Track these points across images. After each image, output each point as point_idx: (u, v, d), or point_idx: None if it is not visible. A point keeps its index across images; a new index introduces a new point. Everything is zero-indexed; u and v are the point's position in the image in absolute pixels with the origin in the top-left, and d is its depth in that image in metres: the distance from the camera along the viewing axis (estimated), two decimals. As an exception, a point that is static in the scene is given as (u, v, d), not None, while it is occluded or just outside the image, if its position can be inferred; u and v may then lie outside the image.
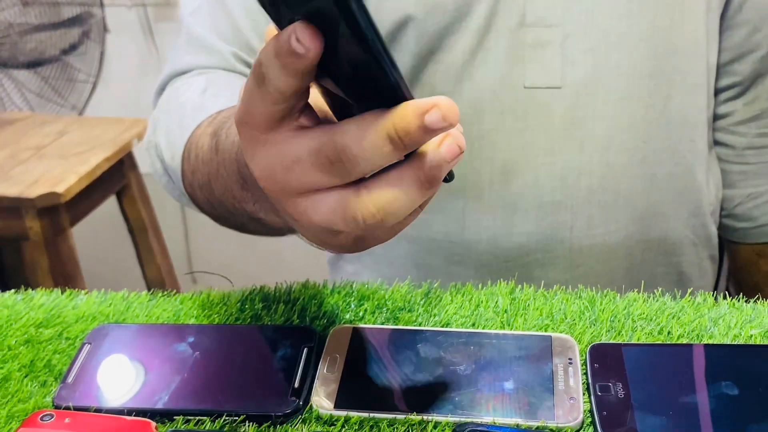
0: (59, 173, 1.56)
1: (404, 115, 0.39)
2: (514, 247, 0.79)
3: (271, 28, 0.41)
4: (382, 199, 0.41)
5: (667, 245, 0.82)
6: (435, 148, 0.41)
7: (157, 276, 1.92)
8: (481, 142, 0.77)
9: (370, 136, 0.39)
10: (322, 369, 0.55)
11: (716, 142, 0.86)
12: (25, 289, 0.67)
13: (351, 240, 0.45)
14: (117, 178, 1.76)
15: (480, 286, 0.63)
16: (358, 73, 0.39)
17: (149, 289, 0.64)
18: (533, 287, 0.63)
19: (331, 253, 0.95)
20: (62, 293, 0.66)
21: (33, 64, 2.27)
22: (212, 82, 0.75)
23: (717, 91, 0.83)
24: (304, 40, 0.37)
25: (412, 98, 0.40)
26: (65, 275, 1.58)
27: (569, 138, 0.76)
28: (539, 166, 0.77)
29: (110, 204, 1.79)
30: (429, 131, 0.39)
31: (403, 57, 0.77)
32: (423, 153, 0.41)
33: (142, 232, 1.87)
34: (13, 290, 0.67)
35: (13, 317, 0.62)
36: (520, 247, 0.79)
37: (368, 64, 0.38)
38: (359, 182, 0.42)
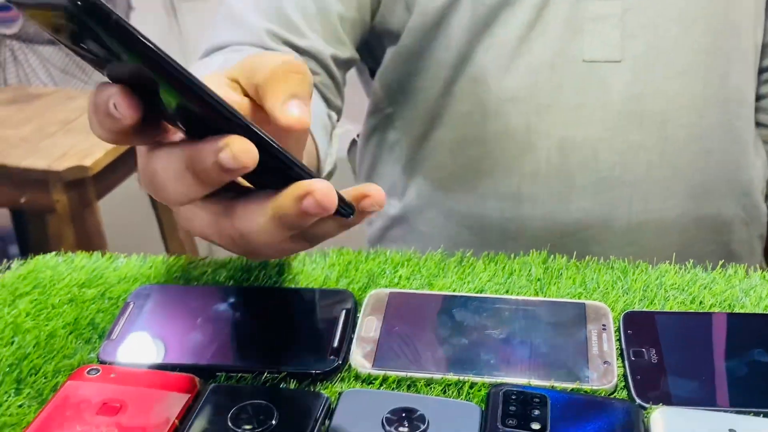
0: (86, 147, 1.57)
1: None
2: (571, 222, 0.79)
3: None
4: (244, 226, 0.41)
5: (718, 223, 0.82)
6: (296, 199, 0.39)
7: (180, 251, 1.94)
8: (538, 117, 0.77)
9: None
10: (360, 330, 0.56)
11: (756, 123, 0.86)
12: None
13: (240, 251, 0.45)
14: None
15: (512, 255, 0.64)
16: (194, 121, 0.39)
17: None
18: (566, 257, 0.64)
19: (372, 234, 0.95)
20: (102, 256, 0.67)
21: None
22: (229, 61, 0.75)
23: (760, 71, 0.83)
24: (121, 106, 0.37)
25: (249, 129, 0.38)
26: (91, 248, 1.59)
27: (628, 113, 0.76)
28: (598, 141, 0.77)
29: (135, 179, 1.81)
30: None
31: (456, 33, 0.77)
32: (286, 197, 0.39)
33: (165, 208, 1.88)
34: (54, 252, 0.68)
35: (56, 277, 0.64)
36: (577, 223, 0.79)
37: (202, 114, 0.38)
38: (232, 199, 0.42)
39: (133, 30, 0.36)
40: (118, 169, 1.65)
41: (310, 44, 0.75)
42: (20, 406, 0.52)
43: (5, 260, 0.66)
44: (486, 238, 0.83)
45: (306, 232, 0.43)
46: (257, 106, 0.45)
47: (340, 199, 0.41)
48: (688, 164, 0.78)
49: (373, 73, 0.89)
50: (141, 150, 0.43)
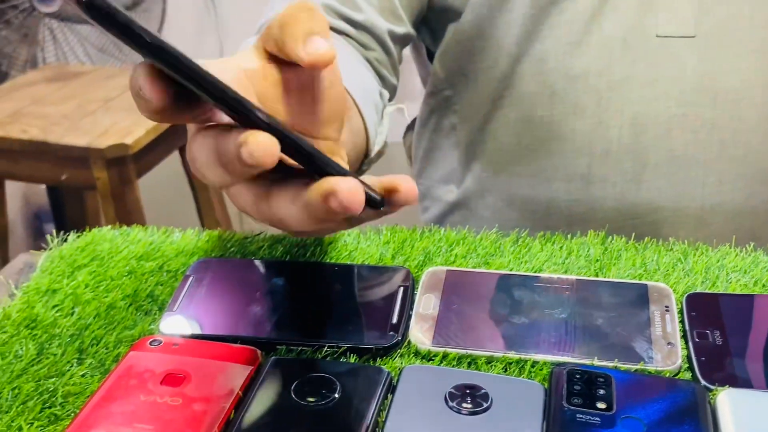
0: (127, 125, 1.58)
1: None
2: (643, 203, 0.78)
3: None
4: (280, 212, 0.41)
5: None
6: (320, 196, 0.39)
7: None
8: (611, 94, 0.76)
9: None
10: (418, 307, 0.56)
11: None
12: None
13: (280, 229, 0.45)
14: (181, 133, 1.78)
15: (569, 235, 0.64)
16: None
17: None
18: (624, 237, 0.63)
19: (428, 221, 0.94)
20: (158, 229, 0.68)
21: (96, 20, 2.30)
22: None
23: None
24: (146, 90, 0.37)
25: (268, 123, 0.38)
26: (130, 225, 1.60)
27: (701, 90, 0.75)
28: (671, 118, 0.75)
29: (174, 159, 1.82)
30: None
31: (522, 8, 0.76)
32: (314, 191, 0.39)
33: (202, 187, 1.89)
34: (110, 226, 0.69)
35: (114, 250, 0.64)
36: (649, 204, 0.78)
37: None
38: (272, 183, 0.42)
39: (138, 29, 0.35)
40: (158, 147, 1.66)
41: (365, 18, 0.74)
42: (83, 375, 0.52)
43: (51, 236, 0.66)
44: (551, 222, 0.81)
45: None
46: (286, 63, 0.44)
47: (369, 195, 0.40)
48: (760, 144, 0.77)
49: (430, 55, 0.88)
50: (189, 130, 0.43)
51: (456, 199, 0.89)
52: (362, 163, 0.68)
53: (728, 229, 0.79)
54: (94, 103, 1.70)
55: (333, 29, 0.73)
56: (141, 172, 1.66)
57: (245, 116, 0.38)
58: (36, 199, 2.48)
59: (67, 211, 2.21)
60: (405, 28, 0.79)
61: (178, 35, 2.41)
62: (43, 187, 2.26)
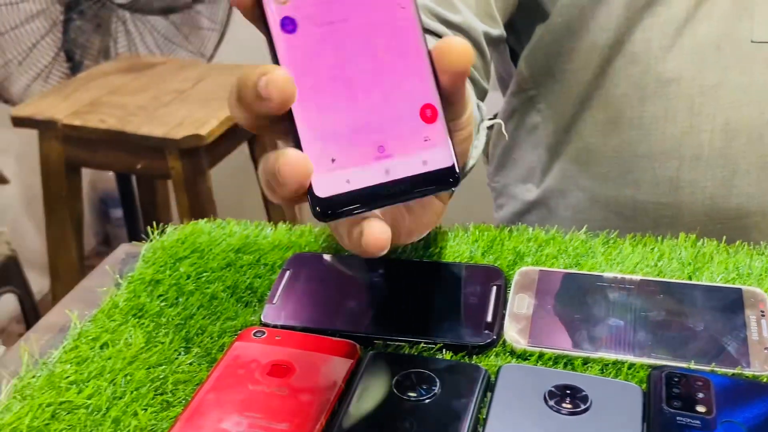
0: (201, 117, 1.62)
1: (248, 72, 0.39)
2: (733, 208, 0.77)
3: None
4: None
5: None
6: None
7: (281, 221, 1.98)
8: (703, 99, 0.75)
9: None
10: (512, 307, 0.57)
11: None
12: (158, 226, 0.69)
13: None
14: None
15: (660, 238, 0.64)
16: None
17: None
18: (715, 241, 0.63)
19: (502, 219, 0.94)
20: (251, 223, 0.70)
21: (166, 10, 2.35)
22: None
23: None
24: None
25: None
26: (203, 214, 1.64)
27: None
28: (764, 125, 0.75)
29: (242, 150, 1.85)
30: (259, 96, 0.39)
31: (615, 10, 0.76)
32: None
33: (269, 178, 1.92)
34: (206, 219, 0.71)
35: (212, 243, 0.67)
36: (738, 209, 0.77)
37: None
38: None
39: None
40: (229, 139, 1.69)
41: (462, 19, 0.74)
42: (190, 363, 0.54)
43: (151, 227, 0.69)
44: (637, 224, 0.81)
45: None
46: None
47: None
48: None
49: (513, 54, 0.88)
50: None
51: (535, 197, 0.89)
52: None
53: None
54: (169, 94, 1.74)
55: (429, 31, 0.73)
56: (213, 162, 1.69)
57: None
58: (102, 185, 2.55)
59: (137, 199, 2.26)
60: (499, 30, 0.79)
61: (243, 28, 2.45)
62: (110, 173, 2.31)
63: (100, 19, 2.20)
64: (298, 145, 0.40)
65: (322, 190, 0.40)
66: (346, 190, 0.40)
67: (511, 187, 0.92)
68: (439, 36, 0.74)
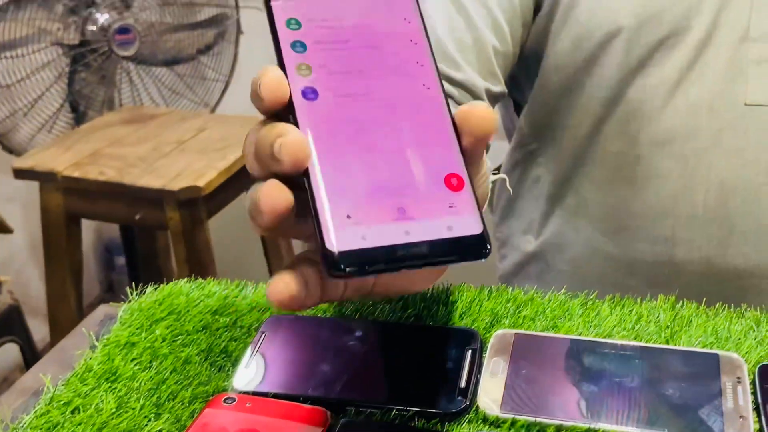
0: (200, 167, 1.63)
1: (267, 133, 0.42)
2: (729, 268, 0.77)
3: None
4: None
5: None
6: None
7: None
8: (696, 160, 0.75)
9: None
10: (487, 371, 0.56)
11: None
12: (158, 277, 0.70)
13: None
14: (250, 175, 1.83)
15: (639, 299, 0.64)
16: None
17: None
18: (695, 303, 0.62)
19: (504, 270, 0.94)
20: (231, 283, 0.70)
21: (170, 62, 2.38)
22: None
23: None
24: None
25: None
26: (200, 265, 1.65)
27: None
28: (760, 187, 0.75)
29: (242, 200, 1.85)
30: (275, 159, 0.41)
31: (608, 70, 0.76)
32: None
33: (269, 228, 1.93)
34: (185, 279, 0.71)
35: (190, 304, 0.66)
36: (734, 269, 0.77)
37: None
38: None
39: None
40: (229, 189, 1.70)
41: (465, 77, 0.76)
42: (160, 430, 0.54)
43: (130, 288, 0.69)
44: (632, 281, 0.81)
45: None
46: None
47: None
48: None
49: (518, 107, 0.89)
50: None
51: (534, 250, 0.89)
52: None
53: None
54: (169, 145, 1.75)
55: None
56: (212, 212, 1.70)
57: None
58: (107, 232, 2.56)
59: (138, 248, 2.27)
60: (501, 86, 0.80)
61: (248, 78, 2.47)
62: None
63: (105, 71, 2.24)
64: (313, 201, 0.40)
65: (335, 245, 0.39)
66: (361, 247, 0.39)
67: (514, 238, 0.92)
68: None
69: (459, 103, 0.77)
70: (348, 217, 0.39)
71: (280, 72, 0.42)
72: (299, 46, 0.43)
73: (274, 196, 0.40)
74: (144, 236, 2.21)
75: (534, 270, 0.90)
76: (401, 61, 0.44)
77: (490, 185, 0.67)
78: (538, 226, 0.88)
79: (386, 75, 0.43)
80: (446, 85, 0.75)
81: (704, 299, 0.62)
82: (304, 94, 0.42)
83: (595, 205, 0.82)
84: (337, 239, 0.39)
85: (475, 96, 0.77)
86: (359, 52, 0.43)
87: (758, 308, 0.62)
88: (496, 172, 0.83)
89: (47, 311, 1.85)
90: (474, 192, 0.42)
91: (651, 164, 0.77)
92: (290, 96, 0.42)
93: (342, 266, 0.39)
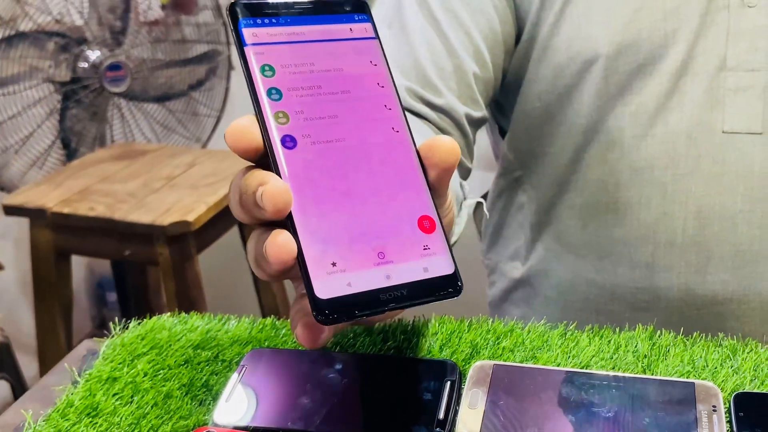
0: (190, 203, 1.64)
1: (249, 182, 0.43)
2: (708, 295, 0.78)
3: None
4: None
5: None
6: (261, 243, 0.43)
7: (272, 304, 1.98)
8: (675, 187, 0.76)
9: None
10: (465, 403, 0.56)
11: None
12: (149, 312, 0.71)
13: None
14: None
15: (617, 329, 0.64)
16: None
17: (264, 316, 0.69)
18: (672, 333, 0.63)
19: (494, 296, 0.95)
20: (214, 317, 0.70)
21: (162, 98, 2.39)
22: None
23: None
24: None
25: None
26: (189, 300, 1.65)
27: None
28: (737, 214, 0.76)
29: (233, 234, 1.86)
30: (258, 206, 0.43)
31: (587, 98, 0.78)
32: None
33: (260, 262, 1.93)
34: (169, 314, 0.71)
35: (172, 338, 0.67)
36: (714, 296, 0.78)
37: None
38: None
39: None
40: (218, 223, 1.71)
41: (445, 102, 0.77)
42: (140, 465, 0.54)
43: (114, 323, 0.69)
44: (615, 306, 0.82)
45: None
46: None
47: None
48: None
49: (504, 133, 0.90)
50: None
51: (521, 276, 0.90)
52: None
53: None
54: (159, 180, 1.76)
55: (413, 112, 0.77)
56: (201, 247, 1.70)
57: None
58: (99, 268, 2.56)
59: (129, 283, 2.27)
60: (481, 111, 0.81)
61: (242, 112, 2.49)
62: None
63: (97, 108, 2.25)
64: (299, 249, 0.42)
65: (323, 292, 0.41)
66: (347, 293, 0.42)
67: (501, 265, 0.93)
68: (422, 117, 0.76)
69: (439, 128, 0.78)
70: (333, 264, 0.42)
71: (246, 120, 0.44)
72: (275, 93, 0.45)
73: (280, 244, 0.42)
74: (135, 272, 2.21)
75: (521, 295, 0.91)
76: (371, 106, 0.46)
77: (467, 209, 0.68)
78: (524, 252, 0.89)
79: (358, 120, 0.45)
80: (427, 109, 0.77)
81: (682, 328, 0.63)
82: (283, 142, 0.43)
83: (577, 231, 0.83)
84: (325, 287, 0.41)
85: (455, 120, 0.78)
86: (332, 98, 0.45)
87: (736, 336, 0.62)
88: (483, 200, 0.84)
89: (36, 348, 1.85)
90: (444, 232, 0.43)
91: (630, 191, 0.78)
92: (271, 143, 0.43)
93: (330, 313, 0.41)
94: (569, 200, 0.83)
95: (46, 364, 1.82)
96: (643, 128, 0.77)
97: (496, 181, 0.93)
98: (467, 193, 0.75)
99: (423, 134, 0.74)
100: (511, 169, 0.89)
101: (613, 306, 0.82)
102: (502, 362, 0.60)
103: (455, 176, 0.74)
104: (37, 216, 1.69)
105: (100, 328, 2.60)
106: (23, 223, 1.83)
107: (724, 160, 0.75)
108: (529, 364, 0.60)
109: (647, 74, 0.76)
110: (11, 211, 1.71)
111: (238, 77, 2.44)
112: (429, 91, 0.77)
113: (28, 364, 2.02)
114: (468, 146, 0.81)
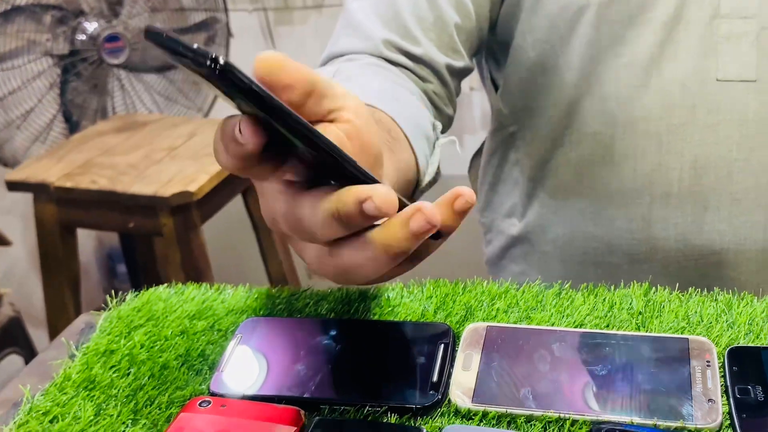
0: (191, 173, 1.63)
1: (345, 200, 0.41)
2: (705, 245, 0.78)
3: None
4: (343, 263, 0.44)
5: None
6: (402, 224, 0.42)
7: (279, 272, 1.99)
8: (671, 137, 0.76)
9: (318, 213, 0.42)
10: (459, 365, 0.56)
11: None
12: (158, 283, 0.71)
13: (342, 280, 0.47)
14: (243, 178, 1.83)
15: (613, 287, 0.64)
16: (306, 157, 0.42)
17: (271, 284, 0.68)
18: (668, 289, 0.63)
19: (491, 254, 0.95)
20: (210, 287, 0.70)
21: (162, 68, 2.38)
22: (341, 71, 0.75)
23: None
24: (245, 132, 0.40)
25: (359, 173, 0.41)
26: (196, 269, 1.65)
27: (764, 134, 0.75)
28: (732, 162, 0.76)
29: (237, 202, 1.86)
30: (368, 217, 0.41)
31: (579, 48, 0.77)
32: (391, 224, 0.42)
33: (265, 230, 1.94)
34: (165, 285, 0.72)
35: (168, 309, 0.67)
36: (711, 245, 0.78)
37: (311, 154, 0.41)
38: (336, 240, 0.44)
39: (264, 94, 0.38)
40: (222, 192, 1.71)
41: (424, 52, 0.77)
42: (137, 435, 0.54)
43: (110, 296, 0.70)
44: (614, 259, 0.82)
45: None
46: None
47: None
48: None
49: (498, 89, 0.89)
50: (280, 200, 0.45)
51: (518, 232, 0.90)
52: (413, 193, 0.70)
53: None
54: (160, 152, 1.76)
55: (393, 62, 0.77)
56: (205, 217, 1.71)
57: (342, 166, 0.41)
58: (108, 240, 2.57)
59: (138, 254, 2.28)
60: (463, 62, 0.81)
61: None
62: (115, 230, 2.33)
63: (97, 80, 2.24)
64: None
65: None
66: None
67: (498, 222, 0.93)
68: (403, 67, 0.76)
69: (419, 76, 0.78)
70: None
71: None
72: None
73: (392, 203, 0.41)
74: (142, 243, 2.22)
75: (519, 252, 0.91)
76: None
77: (440, 149, 0.71)
78: (521, 209, 0.89)
79: None
80: (406, 59, 0.77)
81: (680, 278, 0.63)
82: None
83: (574, 187, 0.83)
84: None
85: (434, 70, 0.78)
86: None
87: (733, 285, 0.62)
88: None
89: (47, 322, 1.86)
90: None
91: (626, 143, 0.78)
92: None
93: None
94: (564, 154, 0.82)
95: (56, 337, 1.83)
96: (637, 79, 0.76)
97: (490, 137, 0.92)
98: (439, 134, 0.75)
99: (403, 84, 0.75)
100: (505, 125, 0.89)
101: (611, 258, 0.83)
102: (494, 324, 0.60)
103: (428, 117, 0.74)
104: (40, 191, 1.69)
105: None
106: (28, 198, 1.84)
107: (718, 109, 0.75)
108: (522, 325, 0.60)
109: (639, 24, 0.75)
110: (14, 186, 1.72)
111: (236, 44, 2.42)
112: (408, 42, 0.77)
113: (40, 337, 2.04)
114: (449, 95, 0.81)
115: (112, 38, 2.17)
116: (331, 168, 0.42)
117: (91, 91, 2.23)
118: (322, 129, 0.44)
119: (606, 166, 0.80)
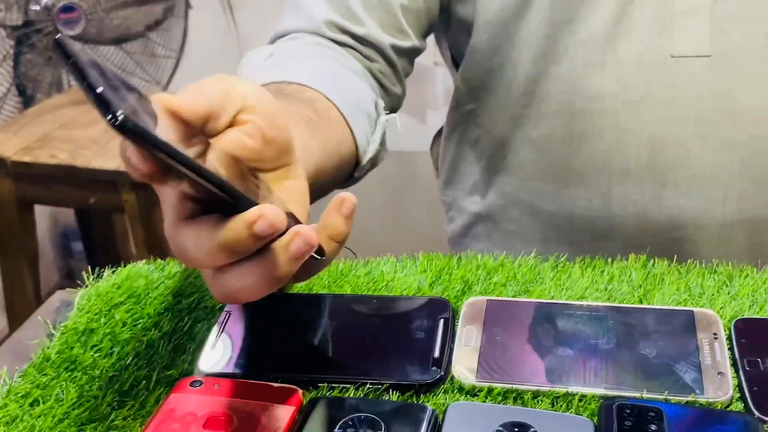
0: (154, 147, 1.59)
1: (234, 228, 0.41)
2: (665, 221, 0.78)
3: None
4: (227, 285, 0.44)
5: None
6: (283, 247, 0.42)
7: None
8: (627, 115, 0.76)
9: (204, 245, 0.42)
10: (460, 340, 0.55)
11: None
12: (117, 261, 0.68)
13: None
14: (207, 152, 1.79)
15: (610, 260, 0.63)
16: (195, 186, 0.42)
17: None
18: (666, 261, 0.62)
19: (453, 232, 0.95)
20: (192, 263, 0.67)
21: (119, 40, 2.32)
22: (279, 50, 0.76)
23: None
24: (135, 161, 0.41)
25: (244, 201, 0.41)
26: (160, 247, 1.61)
27: (720, 109, 0.74)
28: (689, 138, 0.75)
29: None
30: (260, 238, 0.41)
31: (535, 26, 0.76)
32: (273, 249, 0.43)
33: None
34: (144, 261, 0.68)
35: (150, 286, 0.64)
36: (670, 221, 0.78)
37: (196, 182, 0.40)
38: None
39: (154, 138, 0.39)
40: (185, 168, 1.67)
41: (366, 32, 0.77)
42: (125, 419, 0.52)
43: (87, 273, 0.66)
44: (575, 236, 0.82)
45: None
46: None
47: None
48: None
49: (458, 67, 0.88)
50: (168, 220, 0.46)
51: (480, 210, 0.90)
52: (354, 170, 0.71)
53: (749, 245, 0.78)
54: (121, 125, 1.71)
55: (337, 42, 0.77)
56: (168, 193, 1.66)
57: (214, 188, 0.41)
58: (63, 218, 2.50)
59: (95, 232, 2.22)
60: (410, 42, 0.81)
61: (201, 52, 2.42)
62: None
63: (51, 52, 2.17)
64: None
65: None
66: None
67: (460, 200, 0.93)
68: (348, 46, 0.77)
69: (364, 56, 0.78)
70: None
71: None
72: None
73: (281, 217, 0.41)
74: (100, 220, 2.16)
75: (482, 230, 0.91)
76: None
77: (382, 126, 0.72)
78: (482, 187, 0.89)
79: None
80: (349, 39, 0.77)
81: (641, 254, 0.62)
82: None
83: (535, 164, 0.83)
84: None
85: (378, 50, 0.78)
86: None
87: (698, 261, 0.61)
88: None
89: (4, 301, 1.81)
90: None
91: (584, 122, 0.78)
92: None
93: None
94: (525, 133, 0.82)
95: (14, 317, 1.78)
96: (594, 57, 0.76)
97: (450, 114, 0.91)
98: (381, 111, 0.75)
99: (345, 63, 0.75)
100: (463, 103, 0.88)
101: (573, 236, 0.83)
102: (494, 297, 0.59)
103: (369, 95, 0.74)
104: (-4, 166, 1.63)
105: (67, 279, 2.56)
106: (-14, 174, 1.78)
107: (674, 85, 0.75)
108: (523, 298, 0.59)
109: (594, 1, 0.74)
110: (-32, 162, 1.65)
111: (195, 16, 2.36)
112: (351, 22, 0.77)
113: (-1, 317, 1.99)
114: (396, 74, 0.81)
115: (68, 8, 2.10)
116: (215, 195, 0.41)
117: (45, 63, 2.16)
118: (223, 135, 0.46)
119: (565, 144, 0.80)
